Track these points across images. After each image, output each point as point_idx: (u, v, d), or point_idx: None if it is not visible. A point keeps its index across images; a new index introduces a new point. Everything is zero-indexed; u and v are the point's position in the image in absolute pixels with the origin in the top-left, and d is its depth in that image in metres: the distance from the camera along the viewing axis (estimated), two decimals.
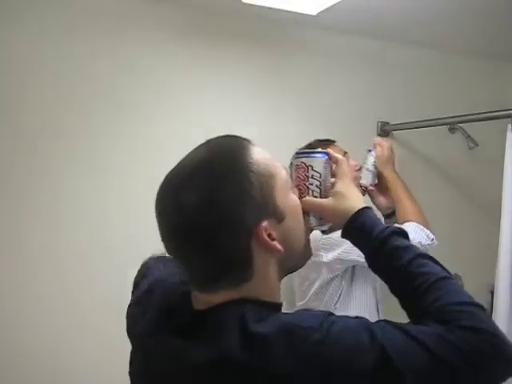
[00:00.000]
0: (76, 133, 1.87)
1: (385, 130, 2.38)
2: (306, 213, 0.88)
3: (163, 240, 0.77)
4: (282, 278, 0.83)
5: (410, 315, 0.78)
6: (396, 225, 1.56)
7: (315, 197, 0.90)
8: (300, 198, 0.88)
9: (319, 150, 0.94)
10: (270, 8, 1.89)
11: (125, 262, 1.68)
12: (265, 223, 0.75)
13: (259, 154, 0.78)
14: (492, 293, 1.89)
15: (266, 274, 0.78)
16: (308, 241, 0.89)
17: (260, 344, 0.68)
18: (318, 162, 0.91)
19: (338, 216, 0.88)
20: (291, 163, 0.97)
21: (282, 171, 0.81)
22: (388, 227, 0.84)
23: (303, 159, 0.92)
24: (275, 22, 2.11)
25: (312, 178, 0.90)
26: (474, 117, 2.05)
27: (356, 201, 0.88)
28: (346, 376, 0.66)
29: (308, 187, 0.90)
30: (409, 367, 0.66)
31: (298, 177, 0.91)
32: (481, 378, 0.69)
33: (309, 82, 2.23)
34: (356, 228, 0.85)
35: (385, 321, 0.73)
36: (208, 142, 0.81)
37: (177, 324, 0.78)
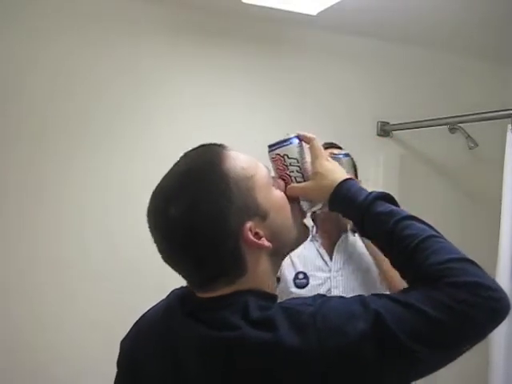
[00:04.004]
0: (77, 133, 1.87)
1: (385, 130, 2.38)
2: (296, 200, 0.90)
3: (159, 251, 0.81)
4: (278, 265, 0.87)
5: (402, 278, 0.80)
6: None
7: (299, 182, 0.92)
8: (286, 187, 0.90)
9: (289, 136, 0.94)
10: (270, 8, 1.88)
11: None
12: (249, 224, 0.78)
13: (234, 159, 0.81)
14: None
15: (258, 268, 0.81)
16: (302, 225, 0.91)
17: (268, 324, 0.72)
18: (291, 149, 0.92)
19: (323, 193, 0.89)
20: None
21: (260, 170, 0.83)
22: (371, 193, 0.85)
23: (277, 151, 0.93)
24: (275, 21, 2.11)
25: (290, 165, 0.92)
26: (474, 117, 2.05)
27: (336, 175, 0.89)
28: (346, 342, 0.69)
29: (290, 175, 0.92)
30: (405, 330, 0.69)
31: (278, 168, 0.93)
32: (471, 329, 0.72)
33: (309, 82, 2.23)
34: (340, 200, 0.87)
35: (375, 294, 0.76)
36: (185, 156, 0.84)
37: (188, 310, 0.82)
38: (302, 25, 2.14)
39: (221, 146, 0.84)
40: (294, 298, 0.82)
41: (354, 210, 0.85)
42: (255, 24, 2.11)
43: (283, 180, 0.92)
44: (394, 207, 0.83)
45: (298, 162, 0.92)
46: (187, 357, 0.79)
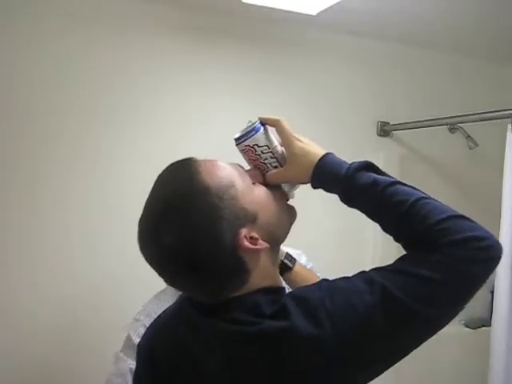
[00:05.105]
0: (77, 134, 1.87)
1: (385, 130, 2.38)
2: (277, 185, 0.90)
3: (158, 275, 0.81)
4: (277, 254, 0.89)
5: (396, 242, 0.81)
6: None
7: (275, 167, 0.90)
8: (264, 176, 0.89)
9: (253, 125, 0.90)
10: (270, 8, 1.88)
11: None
12: (243, 232, 0.78)
13: (210, 173, 0.79)
14: (492, 293, 1.89)
15: (260, 268, 0.81)
16: (288, 207, 0.90)
17: (283, 313, 0.75)
18: (258, 137, 0.90)
19: (304, 173, 0.87)
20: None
21: (235, 174, 0.82)
22: (351, 165, 0.84)
23: (245, 142, 0.90)
24: (275, 21, 2.11)
25: (262, 153, 0.90)
26: (474, 117, 2.04)
27: (312, 152, 0.87)
28: (357, 316, 0.72)
29: (265, 163, 0.90)
30: (409, 294, 0.72)
31: (251, 159, 0.91)
32: (470, 281, 0.75)
33: (308, 82, 2.23)
34: (322, 177, 0.86)
35: (375, 268, 0.78)
36: (161, 180, 0.82)
37: (201, 310, 0.83)
38: (302, 25, 2.14)
39: (190, 160, 0.82)
40: (300, 287, 0.85)
41: (337, 186, 0.84)
42: (255, 24, 2.11)
43: (259, 169, 0.90)
44: (376, 176, 0.82)
45: (269, 149, 0.90)
46: (205, 353, 0.79)
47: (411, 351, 0.76)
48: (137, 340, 1.24)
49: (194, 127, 2.02)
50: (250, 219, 0.80)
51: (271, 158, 0.90)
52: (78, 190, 1.87)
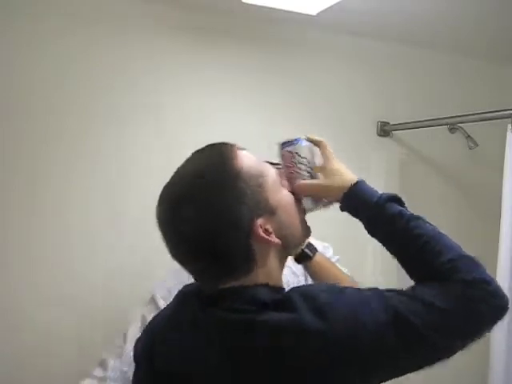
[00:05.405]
0: (77, 134, 1.87)
1: (385, 130, 2.38)
2: (300, 198, 0.94)
3: (170, 252, 0.83)
4: (284, 262, 0.90)
5: (410, 276, 0.85)
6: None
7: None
8: (293, 184, 0.94)
9: (301, 137, 0.98)
10: (270, 8, 1.88)
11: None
12: (260, 221, 0.81)
13: (247, 160, 0.84)
14: None
15: (266, 264, 0.83)
16: (305, 223, 0.94)
17: (287, 305, 0.75)
18: (302, 148, 0.97)
19: (334, 192, 0.92)
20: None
21: (269, 171, 0.87)
22: (382, 194, 0.89)
23: (288, 148, 0.97)
24: (275, 21, 2.11)
25: (299, 163, 0.96)
26: (474, 117, 2.05)
27: (348, 175, 0.93)
28: (367, 330, 0.73)
29: (298, 172, 0.95)
30: (420, 320, 0.75)
31: (287, 165, 0.96)
32: (477, 321, 0.79)
33: (308, 82, 2.23)
34: (353, 200, 0.91)
35: (388, 289, 0.80)
36: (193, 157, 0.86)
37: (201, 300, 0.84)
38: (302, 25, 2.14)
39: (230, 144, 0.86)
40: (309, 285, 0.86)
41: (365, 211, 0.89)
42: (255, 24, 2.11)
43: (291, 175, 0.95)
44: (401, 208, 0.88)
45: (307, 161, 0.96)
46: (206, 344, 0.79)
47: (409, 373, 0.79)
48: (161, 301, 1.28)
49: (194, 127, 2.01)
50: (269, 211, 0.82)
51: (305, 171, 0.95)
52: (78, 190, 1.87)
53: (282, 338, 0.73)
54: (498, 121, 1.90)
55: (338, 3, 1.82)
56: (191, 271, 0.85)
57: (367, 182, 0.93)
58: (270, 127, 2.12)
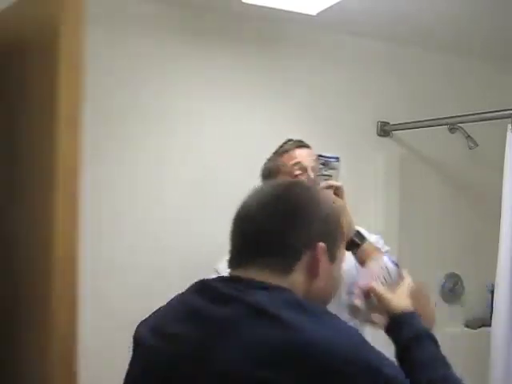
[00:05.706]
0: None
1: (385, 130, 2.38)
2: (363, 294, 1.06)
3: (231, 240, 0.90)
4: (310, 297, 0.90)
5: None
6: None
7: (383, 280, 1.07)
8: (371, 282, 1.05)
9: (399, 270, 1.10)
10: (270, 8, 1.89)
11: None
12: (325, 245, 0.87)
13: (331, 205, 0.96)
14: (492, 293, 1.89)
15: (296, 282, 0.86)
16: (331, 298, 0.97)
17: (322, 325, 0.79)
18: (392, 271, 1.09)
19: (402, 301, 1.02)
20: None
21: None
22: (420, 334, 0.96)
23: (386, 265, 1.10)
24: (275, 21, 2.11)
25: (383, 278, 1.08)
26: (474, 117, 2.05)
27: (405, 302, 1.02)
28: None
29: (379, 277, 1.07)
30: None
31: (374, 275, 1.08)
32: None
33: (308, 82, 2.23)
34: (396, 325, 0.99)
35: None
36: (284, 186, 0.97)
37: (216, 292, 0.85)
38: (302, 25, 2.14)
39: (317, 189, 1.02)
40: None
41: (402, 339, 0.96)
42: (255, 24, 2.11)
43: (373, 278, 1.08)
44: (434, 346, 0.95)
45: (389, 280, 1.08)
46: (219, 337, 0.79)
47: None
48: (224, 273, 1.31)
49: (194, 127, 2.01)
50: (331, 258, 0.89)
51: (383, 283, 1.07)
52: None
53: (309, 356, 0.75)
54: (498, 121, 1.90)
55: (337, 3, 1.83)
56: (236, 241, 0.89)
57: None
58: (270, 127, 2.12)
